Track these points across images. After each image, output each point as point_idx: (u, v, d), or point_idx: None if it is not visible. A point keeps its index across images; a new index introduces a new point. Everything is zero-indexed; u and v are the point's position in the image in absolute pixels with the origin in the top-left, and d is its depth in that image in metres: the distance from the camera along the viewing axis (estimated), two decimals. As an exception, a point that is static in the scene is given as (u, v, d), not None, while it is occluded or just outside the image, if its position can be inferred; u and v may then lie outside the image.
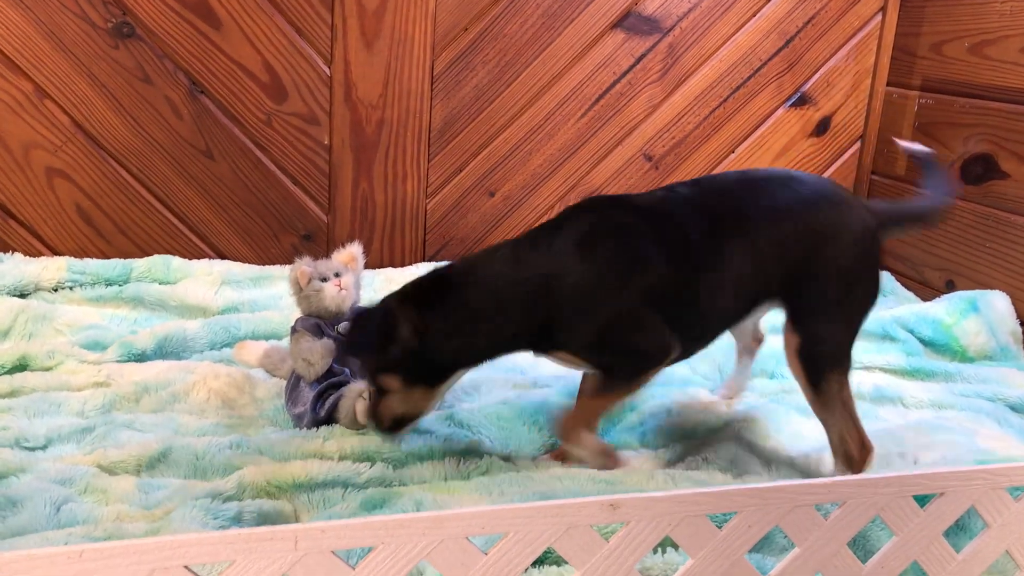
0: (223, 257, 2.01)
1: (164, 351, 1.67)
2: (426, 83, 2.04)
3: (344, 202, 2.06)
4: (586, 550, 0.94)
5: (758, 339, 1.59)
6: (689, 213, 1.28)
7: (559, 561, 1.01)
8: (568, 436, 1.32)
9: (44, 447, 1.32)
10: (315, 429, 1.41)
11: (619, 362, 1.28)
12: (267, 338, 1.73)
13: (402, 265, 2.09)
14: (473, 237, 2.16)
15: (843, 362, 1.29)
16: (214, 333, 1.70)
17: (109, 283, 1.82)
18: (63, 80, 1.85)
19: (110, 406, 1.46)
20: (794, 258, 1.28)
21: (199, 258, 1.97)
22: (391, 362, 1.25)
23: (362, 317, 1.28)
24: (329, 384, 1.45)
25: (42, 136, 1.87)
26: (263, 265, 1.99)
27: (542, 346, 1.28)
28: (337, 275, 1.52)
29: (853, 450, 1.28)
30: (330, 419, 1.43)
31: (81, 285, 1.81)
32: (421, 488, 1.23)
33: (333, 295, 1.50)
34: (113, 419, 1.41)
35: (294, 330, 1.51)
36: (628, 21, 2.11)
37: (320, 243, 2.06)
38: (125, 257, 1.91)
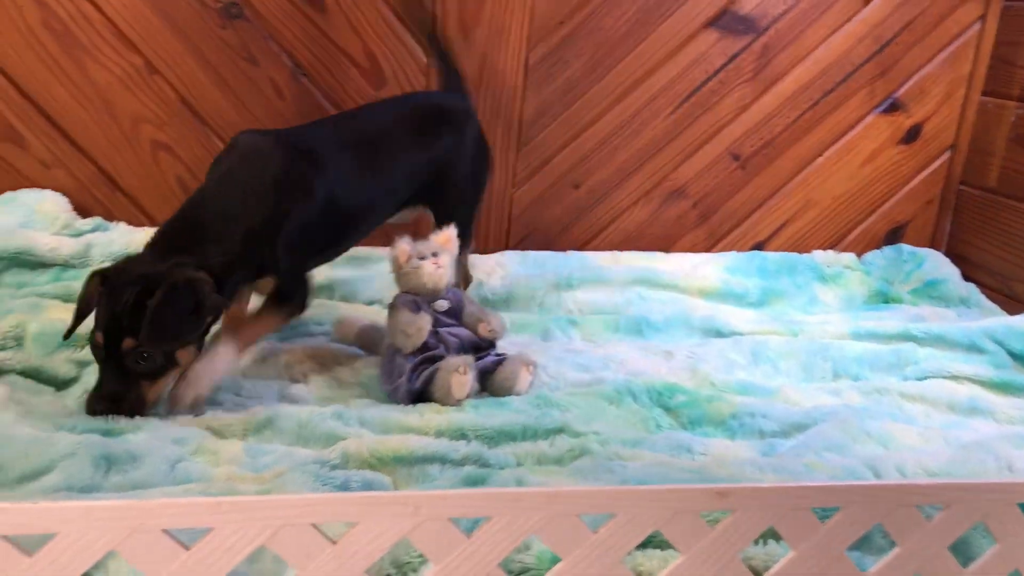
0: (314, 236, 2.06)
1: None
2: (519, 74, 2.06)
3: (433, 188, 2.10)
4: (692, 536, 0.96)
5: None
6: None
7: (663, 545, 1.03)
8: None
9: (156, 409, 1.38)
10: (412, 405, 1.44)
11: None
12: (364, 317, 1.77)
13: (486, 252, 2.12)
14: (556, 228, 2.18)
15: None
16: (312, 309, 1.74)
17: (207, 255, 1.87)
18: (172, 56, 1.91)
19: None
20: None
21: (292, 236, 2.02)
22: (197, 332, 1.39)
23: (168, 298, 1.31)
24: (424, 358, 1.49)
25: (150, 110, 1.93)
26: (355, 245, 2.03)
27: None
28: (434, 255, 1.55)
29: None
30: (424, 392, 1.47)
31: (181, 256, 1.87)
32: (517, 470, 1.25)
33: (430, 273, 1.54)
34: (221, 384, 1.47)
35: (392, 305, 1.55)
36: (723, 20, 2.11)
37: (408, 228, 2.10)
38: (221, 231, 1.96)
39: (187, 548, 0.84)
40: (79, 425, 1.28)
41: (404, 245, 1.55)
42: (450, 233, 1.59)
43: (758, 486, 0.96)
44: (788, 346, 1.81)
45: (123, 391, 1.32)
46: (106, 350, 1.31)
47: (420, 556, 0.98)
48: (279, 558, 0.96)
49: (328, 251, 1.66)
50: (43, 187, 1.93)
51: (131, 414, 1.31)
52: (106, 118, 1.92)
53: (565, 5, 2.04)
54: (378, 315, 1.75)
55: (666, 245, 2.22)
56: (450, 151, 1.75)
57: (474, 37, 2.01)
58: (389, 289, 1.86)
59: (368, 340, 1.68)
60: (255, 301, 1.58)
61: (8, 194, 1.90)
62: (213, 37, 1.92)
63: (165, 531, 0.83)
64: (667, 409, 1.52)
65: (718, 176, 2.21)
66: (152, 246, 1.39)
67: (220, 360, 1.42)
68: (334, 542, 0.88)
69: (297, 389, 1.50)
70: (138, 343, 1.30)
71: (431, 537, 0.90)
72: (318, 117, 1.99)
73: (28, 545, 0.82)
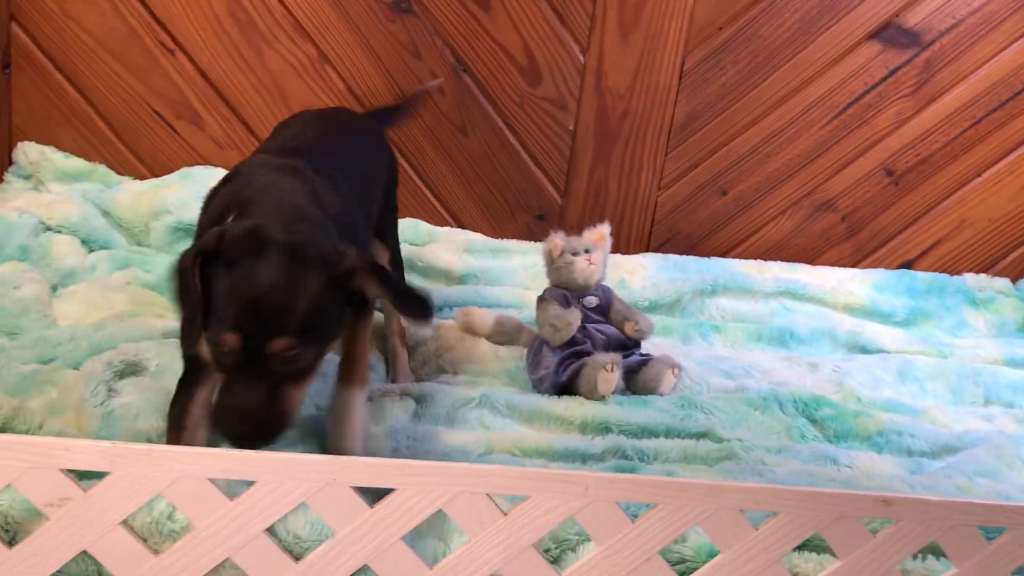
0: (462, 227, 2.12)
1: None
2: (674, 78, 2.08)
3: (579, 186, 2.13)
4: (852, 542, 0.96)
5: None
6: None
7: (819, 549, 1.03)
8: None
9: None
10: (556, 397, 1.48)
11: None
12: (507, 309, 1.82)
13: (627, 253, 2.14)
14: (699, 233, 2.18)
15: None
16: (465, 296, 1.82)
17: (365, 238, 1.96)
18: (344, 48, 2.01)
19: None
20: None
21: (442, 225, 2.09)
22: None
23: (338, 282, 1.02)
24: (571, 352, 1.52)
25: (319, 98, 2.03)
26: (497, 239, 2.08)
27: None
28: (587, 251, 1.58)
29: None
30: (569, 385, 1.50)
31: (340, 238, 1.96)
32: (666, 465, 1.27)
33: (582, 269, 1.57)
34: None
35: (542, 299, 1.59)
36: (886, 32, 2.07)
37: (552, 224, 2.13)
38: (375, 217, 2.05)
39: (371, 506, 0.90)
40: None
41: (558, 240, 1.59)
42: (604, 230, 1.62)
43: (924, 498, 0.95)
44: (937, 367, 1.77)
45: (269, 405, 0.98)
46: (244, 353, 0.97)
47: (579, 535, 1.01)
48: (443, 529, 1.01)
49: None
50: (216, 166, 2.05)
51: (277, 433, 0.99)
52: (278, 103, 2.03)
53: (725, 11, 2.04)
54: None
55: (811, 257, 2.19)
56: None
57: (632, 39, 2.04)
58: (534, 281, 1.92)
59: (505, 332, 1.71)
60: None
61: (184, 170, 2.03)
62: (382, 31, 2.00)
63: (353, 488, 0.89)
64: (813, 421, 1.52)
65: (870, 191, 2.17)
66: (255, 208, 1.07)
67: (362, 411, 1.22)
68: (505, 513, 0.92)
69: (446, 374, 1.56)
70: (297, 342, 0.98)
71: (597, 518, 0.93)
72: (474, 112, 2.06)
73: (230, 490, 0.89)
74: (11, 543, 0.88)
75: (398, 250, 1.61)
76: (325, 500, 0.89)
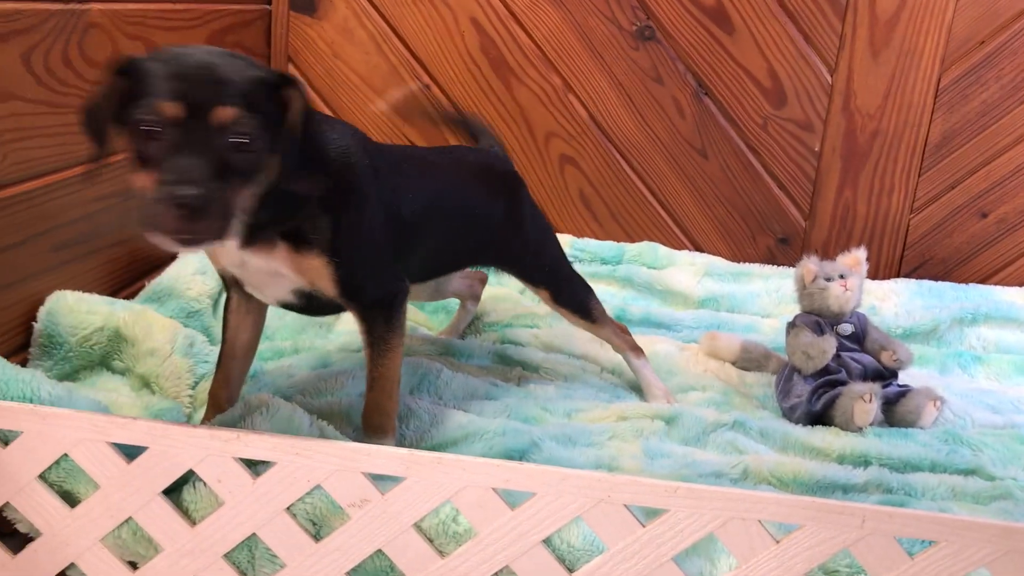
0: (700, 250, 2.12)
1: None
2: (929, 96, 1.98)
3: (825, 209, 2.08)
4: None
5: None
6: None
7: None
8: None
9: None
10: (811, 426, 1.45)
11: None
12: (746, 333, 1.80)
13: (875, 278, 2.05)
14: (956, 258, 2.06)
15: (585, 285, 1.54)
16: (705, 320, 1.83)
17: (604, 262, 2.01)
18: (586, 77, 2.07)
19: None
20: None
21: (679, 249, 2.09)
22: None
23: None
24: (825, 381, 1.48)
25: (561, 126, 2.10)
26: (736, 263, 2.06)
27: None
28: (842, 276, 1.54)
29: (631, 339, 1.55)
30: (823, 415, 1.46)
31: (580, 260, 2.01)
32: (940, 503, 1.22)
33: (837, 295, 1.53)
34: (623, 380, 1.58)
35: (793, 325, 1.56)
36: None
37: (795, 248, 2.10)
38: (613, 241, 2.09)
39: (643, 525, 0.92)
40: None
41: (811, 265, 1.56)
42: (860, 255, 1.58)
43: None
44: None
45: (213, 189, 0.89)
46: (185, 129, 0.90)
47: (849, 567, 0.99)
48: (711, 549, 1.01)
49: None
50: (464, 192, 2.17)
51: (216, 229, 0.90)
52: (524, 133, 2.12)
53: (988, 24, 1.93)
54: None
55: (1084, 285, 2.02)
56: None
57: (883, 58, 1.97)
58: (776, 307, 1.89)
59: (751, 359, 1.69)
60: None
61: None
62: (625, 58, 2.05)
63: (626, 506, 0.92)
64: (1097, 463, 1.40)
65: None
66: None
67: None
68: (777, 541, 0.91)
69: (695, 392, 1.56)
70: (243, 115, 0.91)
71: (873, 552, 0.91)
72: (715, 135, 2.06)
73: (509, 500, 0.94)
74: (317, 536, 0.98)
75: (560, 280, 1.51)
76: (599, 516, 0.92)
